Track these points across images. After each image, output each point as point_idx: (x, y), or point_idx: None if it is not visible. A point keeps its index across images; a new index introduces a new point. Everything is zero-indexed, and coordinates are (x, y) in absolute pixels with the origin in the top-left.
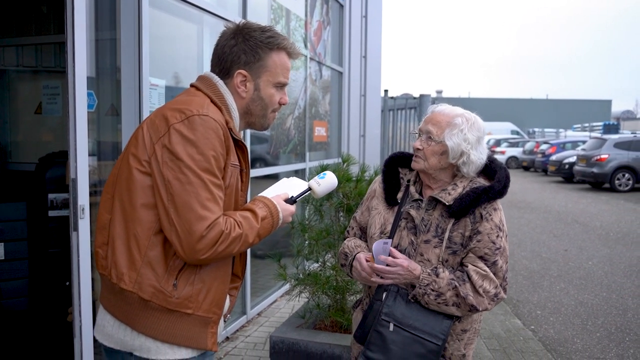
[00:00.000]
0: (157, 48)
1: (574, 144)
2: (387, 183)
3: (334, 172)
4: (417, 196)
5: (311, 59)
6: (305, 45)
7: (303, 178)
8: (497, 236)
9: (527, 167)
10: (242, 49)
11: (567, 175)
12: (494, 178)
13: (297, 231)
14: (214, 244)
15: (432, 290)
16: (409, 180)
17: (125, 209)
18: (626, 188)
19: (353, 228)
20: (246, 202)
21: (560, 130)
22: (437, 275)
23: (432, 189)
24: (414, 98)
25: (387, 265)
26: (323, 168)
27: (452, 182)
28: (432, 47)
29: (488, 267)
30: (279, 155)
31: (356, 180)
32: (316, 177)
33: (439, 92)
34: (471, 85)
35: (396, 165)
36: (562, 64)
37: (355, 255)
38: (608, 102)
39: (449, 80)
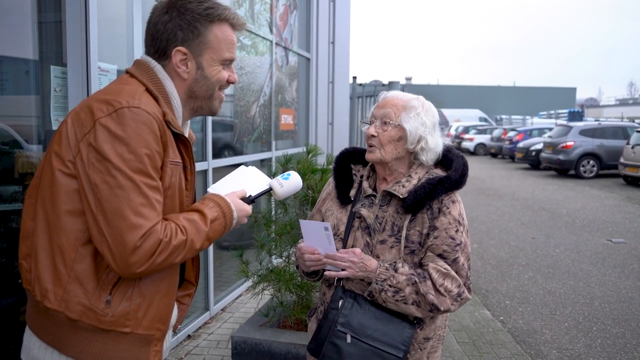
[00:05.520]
0: (109, 30)
1: (541, 131)
2: (339, 180)
3: (298, 163)
4: (369, 192)
5: (277, 44)
6: (271, 30)
7: (269, 167)
8: (457, 231)
9: (494, 154)
10: (178, 25)
11: (533, 162)
12: (451, 168)
13: (261, 225)
14: (150, 255)
15: (390, 286)
16: (362, 176)
17: (49, 216)
18: (591, 175)
19: None
20: (193, 202)
21: (527, 117)
22: (396, 270)
23: (387, 182)
24: (383, 85)
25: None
26: (287, 160)
27: (407, 174)
28: (401, 34)
29: (449, 265)
30: (244, 144)
31: (322, 171)
32: (279, 177)
33: (408, 79)
34: (440, 73)
35: (348, 161)
36: (529, 52)
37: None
38: (573, 90)
39: (418, 67)
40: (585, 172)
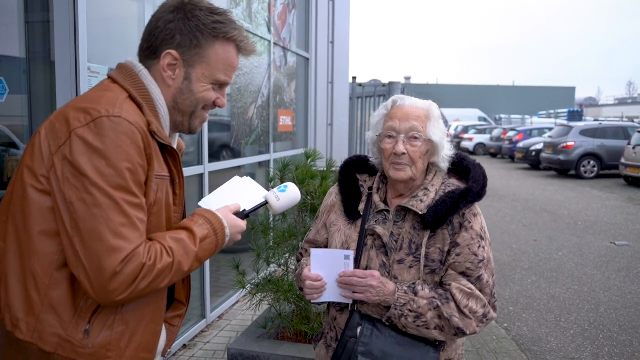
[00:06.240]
0: (99, 31)
1: (541, 131)
2: (345, 194)
3: (296, 169)
4: (382, 206)
5: (275, 44)
6: (269, 30)
7: (268, 170)
8: (479, 246)
9: (494, 154)
10: (179, 28)
11: (534, 162)
12: (469, 177)
13: (258, 232)
14: (132, 281)
15: (410, 311)
16: (370, 188)
17: (20, 237)
18: (591, 175)
19: (307, 250)
20: (183, 218)
21: (526, 116)
22: (416, 294)
23: (402, 196)
24: (383, 85)
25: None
26: (285, 165)
27: (422, 185)
28: (400, 33)
29: (472, 283)
30: (241, 146)
31: (321, 177)
32: (275, 190)
33: (407, 78)
34: (439, 72)
35: (353, 171)
36: (528, 51)
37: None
38: (572, 89)
39: (418, 67)
40: (585, 172)
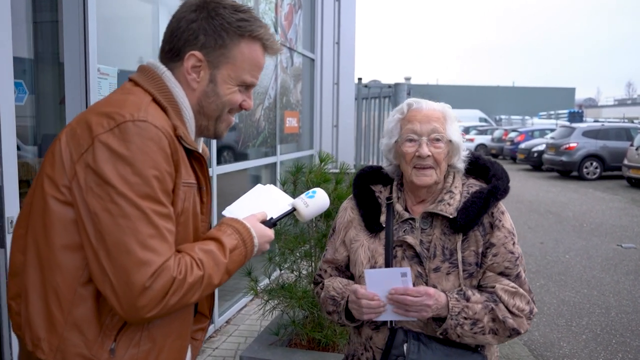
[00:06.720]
0: (109, 32)
1: (542, 132)
2: (363, 207)
3: (309, 172)
4: (407, 215)
5: (282, 44)
6: (276, 30)
7: (274, 173)
8: (513, 243)
9: (495, 154)
10: (203, 28)
11: (535, 163)
12: (488, 176)
13: None
14: (162, 296)
15: (466, 319)
16: (388, 198)
17: (41, 251)
18: (594, 176)
19: (326, 271)
20: (210, 227)
21: (526, 117)
22: (468, 300)
23: (424, 201)
24: (389, 86)
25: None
26: (298, 169)
27: (445, 189)
28: (400, 34)
29: (512, 281)
30: (249, 148)
31: (335, 181)
32: (303, 196)
33: (408, 78)
34: (439, 72)
35: (366, 182)
36: (528, 52)
37: (348, 294)
38: (572, 90)
39: (418, 67)
40: (588, 173)
